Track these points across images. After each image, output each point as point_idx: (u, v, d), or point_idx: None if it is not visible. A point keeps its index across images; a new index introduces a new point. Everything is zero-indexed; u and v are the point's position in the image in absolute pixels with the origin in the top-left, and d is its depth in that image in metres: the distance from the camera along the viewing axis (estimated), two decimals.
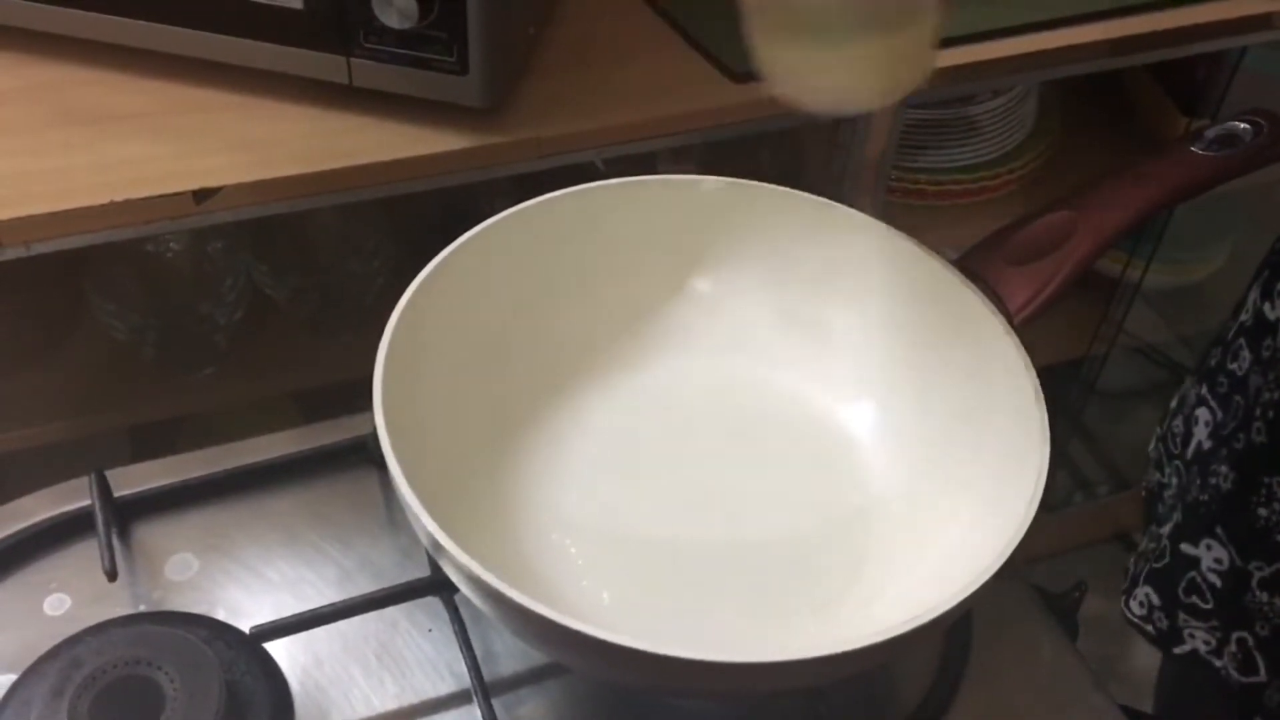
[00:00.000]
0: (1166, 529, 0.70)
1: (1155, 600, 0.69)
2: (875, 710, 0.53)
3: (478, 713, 0.50)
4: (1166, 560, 0.68)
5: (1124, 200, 0.54)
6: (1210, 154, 0.55)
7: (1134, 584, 0.72)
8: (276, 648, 0.51)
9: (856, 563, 0.53)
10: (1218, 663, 0.66)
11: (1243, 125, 0.55)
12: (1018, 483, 0.47)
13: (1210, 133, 0.56)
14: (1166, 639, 0.69)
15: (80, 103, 0.76)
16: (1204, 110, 1.08)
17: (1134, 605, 0.71)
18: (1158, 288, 1.28)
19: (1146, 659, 1.29)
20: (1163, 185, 0.55)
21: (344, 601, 0.52)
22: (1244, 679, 0.65)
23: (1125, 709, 0.54)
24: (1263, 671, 0.64)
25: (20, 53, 0.78)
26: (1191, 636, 0.67)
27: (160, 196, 0.69)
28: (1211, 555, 0.65)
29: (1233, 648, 0.65)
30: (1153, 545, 0.71)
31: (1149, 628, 0.70)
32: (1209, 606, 0.66)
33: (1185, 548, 0.67)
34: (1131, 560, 0.74)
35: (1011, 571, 0.44)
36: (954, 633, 0.54)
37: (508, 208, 0.56)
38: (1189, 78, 1.08)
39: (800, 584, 0.53)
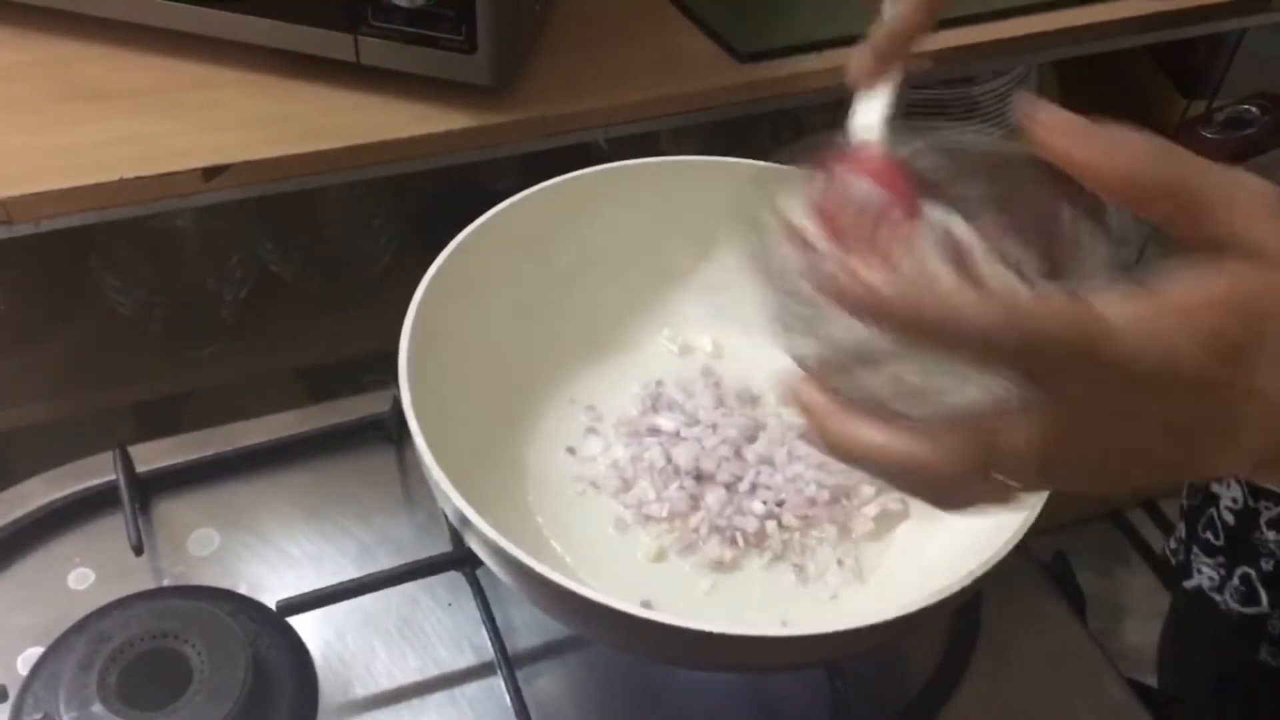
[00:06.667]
0: None
1: (1183, 534, 0.72)
2: (892, 680, 0.54)
3: (497, 684, 0.51)
4: (1199, 499, 0.71)
5: None
6: (1221, 136, 0.56)
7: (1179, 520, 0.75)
8: (298, 621, 0.52)
9: (870, 541, 0.54)
10: (1218, 598, 0.69)
11: (1253, 109, 0.56)
12: None
13: (1220, 115, 0.57)
14: (1179, 573, 0.72)
15: (85, 79, 0.75)
16: (1203, 92, 1.09)
17: (1172, 540, 0.75)
18: (1149, 265, 1.28)
19: (1137, 635, 1.30)
20: None
21: (370, 575, 0.53)
22: (1245, 610, 0.67)
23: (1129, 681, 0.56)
24: (1265, 603, 0.67)
25: (22, 28, 0.78)
26: (1199, 572, 0.69)
27: (170, 174, 0.69)
28: (1230, 494, 0.67)
29: (1235, 582, 0.68)
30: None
31: (1173, 560, 0.73)
32: (1219, 543, 0.68)
33: (1215, 486, 0.69)
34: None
35: (1021, 549, 0.44)
36: (964, 607, 0.55)
37: (513, 187, 0.56)
38: (1188, 59, 1.09)
39: (815, 560, 0.53)
